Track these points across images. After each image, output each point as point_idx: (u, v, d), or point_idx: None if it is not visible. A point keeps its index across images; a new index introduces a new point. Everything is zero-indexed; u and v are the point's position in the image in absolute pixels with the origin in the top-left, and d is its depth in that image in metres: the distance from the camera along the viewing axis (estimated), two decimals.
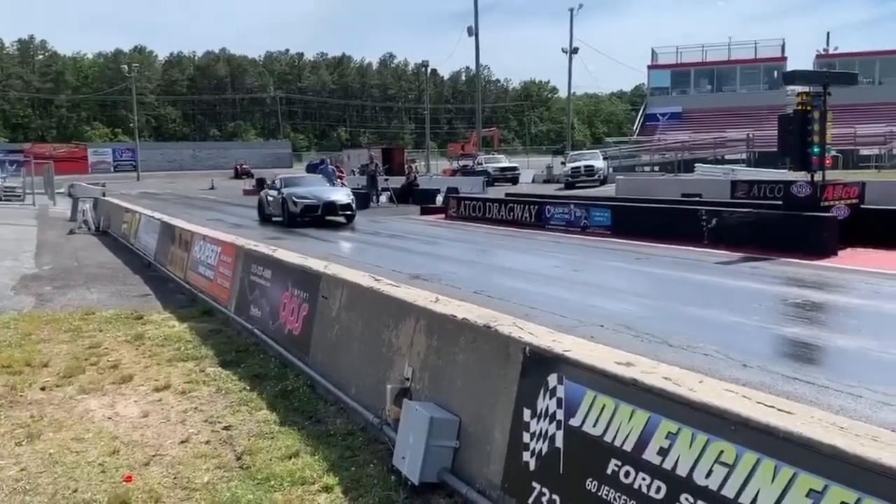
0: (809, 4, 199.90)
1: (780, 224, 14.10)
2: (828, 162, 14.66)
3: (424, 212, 26.75)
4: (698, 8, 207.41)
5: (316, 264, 8.04)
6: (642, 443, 3.42)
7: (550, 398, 4.02)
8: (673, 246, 15.08)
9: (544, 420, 4.02)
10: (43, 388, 7.21)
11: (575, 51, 60.75)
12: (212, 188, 50.94)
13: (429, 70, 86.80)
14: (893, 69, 58.54)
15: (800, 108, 14.10)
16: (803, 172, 14.51)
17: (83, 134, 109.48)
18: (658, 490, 3.30)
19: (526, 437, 4.14)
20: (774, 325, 8.56)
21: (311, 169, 46.49)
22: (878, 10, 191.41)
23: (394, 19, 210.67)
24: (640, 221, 17.44)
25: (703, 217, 15.65)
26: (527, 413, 4.17)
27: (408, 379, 5.40)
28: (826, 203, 13.91)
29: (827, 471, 2.70)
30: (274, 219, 23.28)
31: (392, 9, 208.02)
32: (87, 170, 76.07)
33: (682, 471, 3.21)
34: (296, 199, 22.03)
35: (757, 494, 2.90)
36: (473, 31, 58.19)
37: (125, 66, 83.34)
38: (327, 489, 4.82)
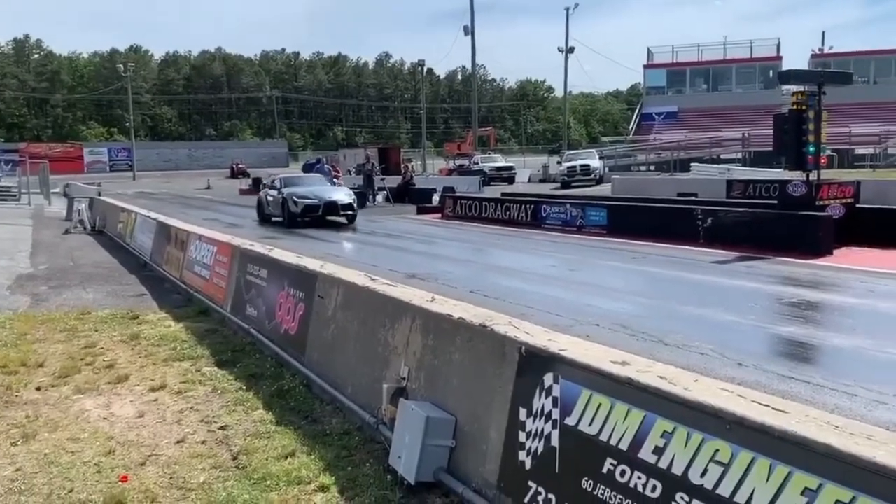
0: (804, 4, 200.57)
1: (776, 223, 14.13)
2: (823, 161, 14.70)
3: (421, 211, 26.75)
4: (694, 7, 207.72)
5: (312, 264, 8.05)
6: (638, 442, 3.43)
7: (546, 397, 4.02)
8: (669, 245, 15.10)
9: (540, 419, 4.03)
10: (38, 388, 7.20)
11: (571, 50, 60.80)
12: (208, 188, 50.85)
13: (425, 69, 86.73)
14: (888, 69, 58.72)
15: (795, 107, 14.13)
16: (798, 172, 14.55)
17: (79, 133, 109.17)
18: (654, 489, 3.31)
19: (522, 437, 4.14)
20: (770, 324, 8.58)
21: (308, 168, 46.39)
22: (873, 10, 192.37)
23: (390, 18, 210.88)
24: (636, 221, 17.45)
25: (699, 216, 15.67)
26: (523, 412, 4.18)
27: (404, 378, 5.40)
28: (821, 202, 13.95)
29: (822, 469, 2.71)
30: (274, 219, 23.07)
31: (388, 8, 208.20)
32: (83, 169, 75.90)
33: (677, 470, 3.22)
34: (296, 199, 21.76)
35: (752, 493, 2.91)
36: (469, 31, 58.20)
37: (121, 66, 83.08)
38: (323, 489, 4.82)
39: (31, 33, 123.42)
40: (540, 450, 3.99)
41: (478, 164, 48.06)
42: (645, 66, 67.99)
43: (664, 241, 15.48)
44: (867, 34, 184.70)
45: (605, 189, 33.56)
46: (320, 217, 21.53)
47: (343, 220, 21.95)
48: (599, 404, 3.69)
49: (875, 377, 6.15)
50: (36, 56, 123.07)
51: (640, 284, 12.16)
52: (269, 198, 23.58)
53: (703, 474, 3.11)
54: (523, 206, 21.32)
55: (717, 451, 3.08)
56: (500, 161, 50.86)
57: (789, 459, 2.83)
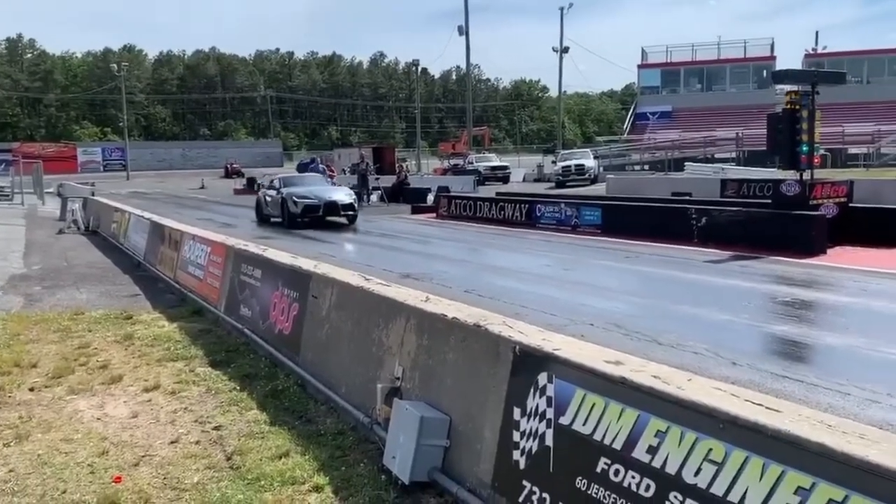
0: (798, 4, 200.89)
1: (770, 222, 14.17)
2: (816, 161, 14.72)
3: (415, 211, 26.74)
4: (688, 7, 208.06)
5: (306, 264, 8.03)
6: (631, 441, 3.43)
7: (540, 397, 4.02)
8: (663, 244, 15.12)
9: (534, 419, 4.03)
10: (32, 389, 7.18)
11: (565, 50, 60.83)
12: (202, 187, 50.80)
13: (419, 69, 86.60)
14: (881, 69, 58.89)
15: (789, 107, 14.16)
16: (792, 171, 14.58)
17: (72, 133, 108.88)
18: (647, 488, 3.31)
19: (516, 436, 4.15)
20: (764, 324, 8.60)
21: (302, 168, 46.33)
22: (867, 10, 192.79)
23: (384, 18, 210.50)
24: (630, 220, 17.48)
25: (693, 216, 15.70)
26: (517, 412, 4.18)
27: (398, 378, 5.40)
28: (815, 202, 13.98)
29: (815, 468, 2.72)
30: (273, 219, 22.72)
31: (382, 8, 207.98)
32: (77, 169, 75.82)
33: (671, 469, 3.23)
34: (296, 199, 21.41)
35: (745, 492, 2.92)
36: (464, 31, 58.15)
37: (114, 65, 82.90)
38: (317, 489, 4.82)
39: (24, 33, 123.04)
40: (534, 449, 4.00)
41: (472, 163, 48.06)
42: (639, 66, 68.07)
43: (658, 240, 15.51)
44: (861, 34, 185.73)
45: (599, 189, 33.60)
46: (320, 218, 21.25)
47: (343, 220, 21.68)
48: (593, 404, 3.70)
49: (868, 376, 6.17)
50: (29, 55, 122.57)
51: (634, 284, 12.18)
52: (268, 198, 23.23)
53: (696, 473, 3.12)
54: (518, 206, 21.34)
55: (711, 450, 3.09)
56: (495, 161, 50.86)
57: (782, 458, 2.83)
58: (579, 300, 10.06)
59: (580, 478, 3.66)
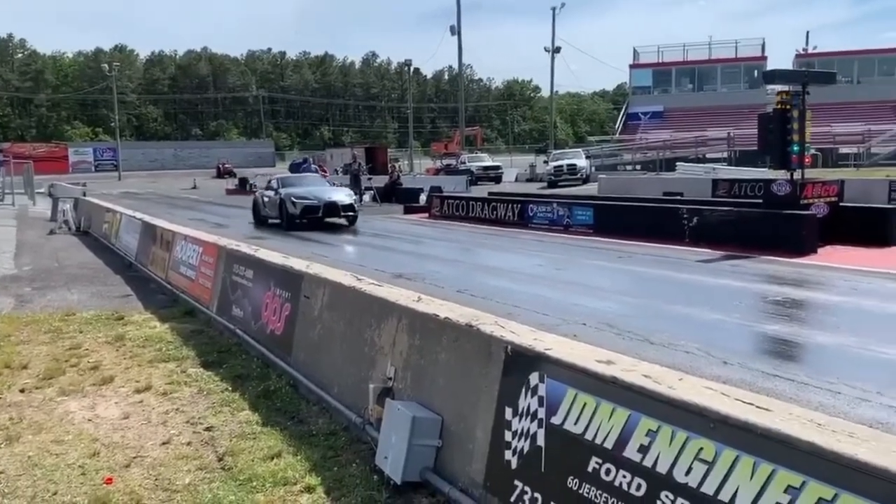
0: (790, 3, 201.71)
1: (761, 222, 14.22)
2: (807, 160, 14.78)
3: (408, 211, 26.73)
4: (680, 7, 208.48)
5: (298, 264, 8.02)
6: (623, 441, 3.44)
7: (532, 396, 4.03)
8: (655, 244, 15.16)
9: (526, 418, 4.04)
10: (22, 390, 7.15)
11: (557, 50, 60.89)
12: (194, 188, 50.65)
13: (412, 69, 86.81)
14: (871, 69, 59.17)
15: (779, 107, 14.22)
16: (783, 171, 14.63)
17: (63, 133, 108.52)
18: (638, 488, 3.32)
19: (508, 436, 4.15)
20: (755, 323, 8.63)
21: (294, 168, 46.32)
22: (857, 11, 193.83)
23: (376, 18, 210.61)
24: (622, 220, 17.51)
25: (685, 216, 15.75)
26: (508, 411, 4.18)
27: (390, 378, 5.39)
28: (805, 201, 14.04)
29: (805, 467, 2.73)
30: (270, 221, 22.28)
31: (374, 8, 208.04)
32: (68, 169, 75.57)
33: (661, 468, 3.24)
34: (295, 200, 20.94)
35: (736, 491, 2.93)
36: (456, 31, 58.22)
37: (106, 65, 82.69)
38: (309, 489, 4.81)
39: (14, 32, 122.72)
40: (526, 449, 4.00)
41: (465, 163, 48.09)
42: (631, 66, 68.20)
43: (650, 240, 15.55)
44: (851, 34, 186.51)
45: (591, 188, 33.65)
46: (320, 219, 20.85)
47: (343, 221, 21.29)
48: (585, 403, 3.70)
49: (858, 374, 6.21)
50: (19, 55, 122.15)
51: (626, 283, 12.20)
52: (266, 199, 22.73)
53: (687, 472, 3.13)
54: (510, 206, 21.35)
55: (702, 449, 3.10)
56: (487, 161, 50.91)
57: (773, 457, 2.84)
58: (571, 300, 10.08)
59: (572, 477, 3.66)
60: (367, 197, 31.59)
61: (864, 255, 12.89)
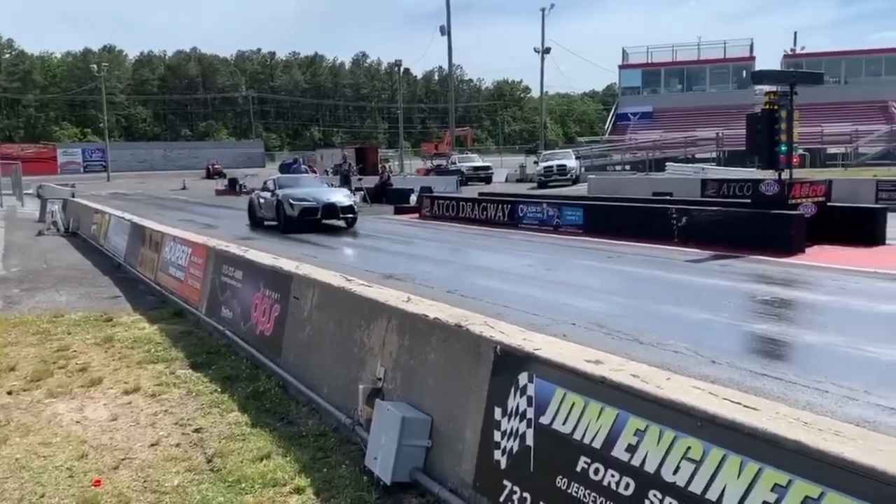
0: (778, 4, 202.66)
1: (749, 222, 14.27)
2: (795, 160, 14.85)
3: (398, 211, 26.73)
4: (668, 7, 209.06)
5: (287, 264, 8.01)
6: (611, 440, 3.45)
7: (521, 396, 4.04)
8: (644, 244, 15.20)
9: (515, 418, 4.04)
10: (10, 393, 7.11)
11: (547, 51, 60.94)
12: (183, 188, 50.43)
13: (402, 69, 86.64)
14: (858, 69, 59.53)
15: (767, 107, 14.28)
16: (771, 171, 14.70)
17: (52, 134, 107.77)
18: (627, 487, 3.33)
19: (497, 436, 4.16)
20: (743, 322, 8.66)
21: (284, 169, 46.19)
22: (845, 11, 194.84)
23: (366, 18, 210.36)
24: (611, 220, 17.55)
25: (674, 216, 15.80)
26: (498, 412, 4.19)
27: (380, 379, 5.39)
28: (794, 201, 14.10)
29: (791, 466, 2.75)
30: (267, 223, 21.71)
31: (364, 8, 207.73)
32: (56, 170, 75.08)
33: (650, 467, 3.25)
34: (293, 202, 20.36)
35: (723, 490, 2.94)
36: (446, 31, 58.21)
37: (94, 66, 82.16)
38: (299, 491, 4.81)
39: (1, 33, 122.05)
40: (515, 449, 4.01)
41: (455, 164, 48.13)
42: (620, 67, 68.42)
43: (640, 240, 15.59)
44: (838, 35, 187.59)
45: (581, 189, 33.74)
46: (318, 221, 20.39)
47: (342, 223, 20.93)
48: (573, 403, 3.71)
49: (846, 373, 6.24)
50: (7, 56, 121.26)
51: (615, 283, 12.23)
52: (262, 200, 22.14)
53: (675, 472, 3.14)
54: (500, 206, 21.37)
55: (689, 448, 3.11)
56: (478, 161, 50.98)
57: (760, 456, 2.86)
58: (561, 300, 10.09)
59: (560, 477, 3.67)
60: (357, 198, 31.49)
61: (851, 254, 12.96)
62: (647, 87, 66.61)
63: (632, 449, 3.34)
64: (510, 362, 4.21)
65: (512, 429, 4.05)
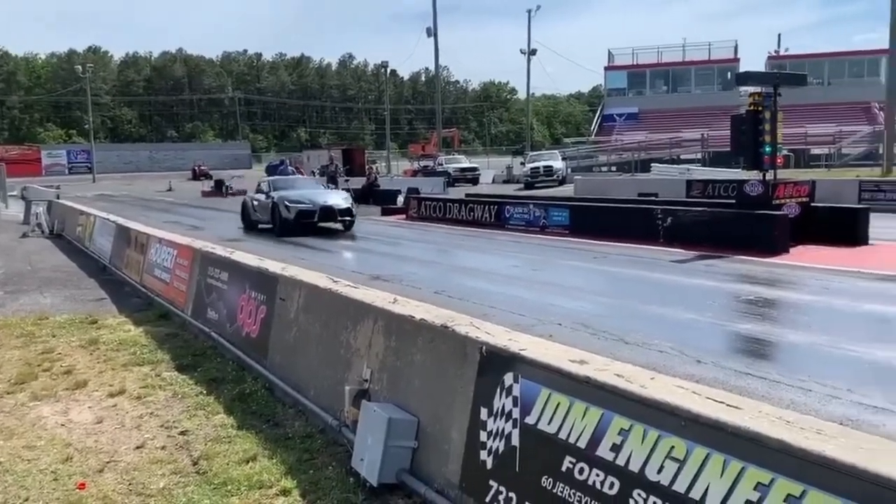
0: (763, 5, 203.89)
1: (734, 222, 14.35)
2: (779, 161, 14.96)
3: (385, 212, 26.70)
4: (654, 9, 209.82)
5: (273, 266, 7.99)
6: (595, 440, 3.47)
7: (507, 397, 4.05)
8: (630, 245, 15.25)
9: (501, 419, 4.06)
10: None
11: (533, 52, 61.10)
12: (169, 190, 50.20)
13: (388, 71, 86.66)
14: (841, 71, 59.97)
15: (752, 108, 14.37)
16: (755, 171, 14.79)
17: (36, 136, 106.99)
18: (611, 486, 3.35)
19: (483, 436, 4.17)
20: (728, 322, 8.71)
21: (271, 170, 46.07)
22: (827, 13, 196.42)
23: (353, 20, 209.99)
24: (597, 221, 17.60)
25: (659, 216, 15.86)
26: (484, 412, 4.20)
27: (366, 380, 5.39)
28: (777, 201, 14.18)
29: (774, 464, 2.77)
30: (261, 226, 21.09)
31: (351, 9, 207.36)
32: (41, 172, 74.54)
33: (634, 467, 3.27)
34: (288, 204, 19.71)
35: (707, 488, 2.96)
36: (432, 32, 58.25)
37: (79, 67, 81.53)
38: (285, 493, 4.80)
39: None
40: (501, 449, 4.02)
41: (442, 165, 48.20)
42: (606, 68, 68.62)
43: (625, 240, 15.64)
44: (822, 36, 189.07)
45: (567, 190, 33.81)
46: (314, 224, 19.82)
47: (339, 226, 20.41)
48: (558, 403, 3.73)
49: (829, 372, 6.29)
50: None
51: (601, 284, 12.28)
52: (256, 202, 21.46)
53: (659, 471, 3.16)
54: (487, 207, 21.40)
55: (673, 447, 3.13)
56: (464, 162, 51.05)
57: (743, 455, 2.88)
58: (547, 300, 10.11)
59: (546, 477, 3.69)
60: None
61: (834, 254, 13.06)
62: (632, 89, 66.80)
63: (616, 448, 3.36)
64: (496, 363, 4.23)
65: (498, 429, 4.06)
